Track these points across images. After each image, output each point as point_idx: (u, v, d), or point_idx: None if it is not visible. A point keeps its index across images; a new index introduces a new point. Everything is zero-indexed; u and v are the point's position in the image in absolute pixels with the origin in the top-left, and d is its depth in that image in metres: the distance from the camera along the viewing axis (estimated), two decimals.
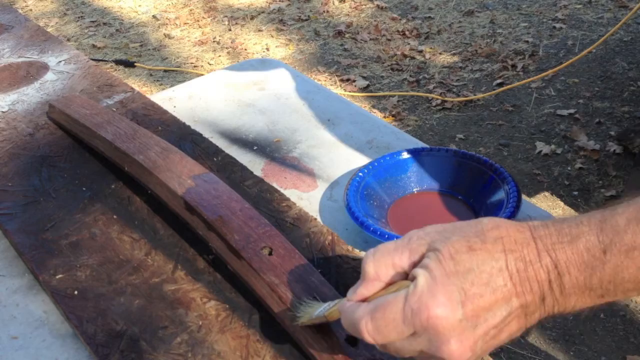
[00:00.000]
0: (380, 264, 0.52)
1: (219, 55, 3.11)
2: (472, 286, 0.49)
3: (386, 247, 0.52)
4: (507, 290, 0.50)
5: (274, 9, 3.48)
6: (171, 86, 1.15)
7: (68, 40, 3.34)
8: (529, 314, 0.51)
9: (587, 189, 2.09)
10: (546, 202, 2.05)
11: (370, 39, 3.09)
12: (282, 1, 3.56)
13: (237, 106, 1.03)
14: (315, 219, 0.74)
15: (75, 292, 0.66)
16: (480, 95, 2.57)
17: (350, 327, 0.51)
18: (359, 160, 0.85)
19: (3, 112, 1.00)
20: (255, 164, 0.87)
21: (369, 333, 0.51)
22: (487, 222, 0.53)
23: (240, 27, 3.35)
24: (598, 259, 0.49)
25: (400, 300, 0.50)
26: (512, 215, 0.70)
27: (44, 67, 1.13)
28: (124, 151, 0.79)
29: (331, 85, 2.76)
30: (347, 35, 3.15)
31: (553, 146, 2.28)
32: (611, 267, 0.49)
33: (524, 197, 0.74)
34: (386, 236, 0.69)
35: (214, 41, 3.24)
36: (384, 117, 2.50)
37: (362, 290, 0.52)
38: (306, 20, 3.35)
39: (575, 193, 2.08)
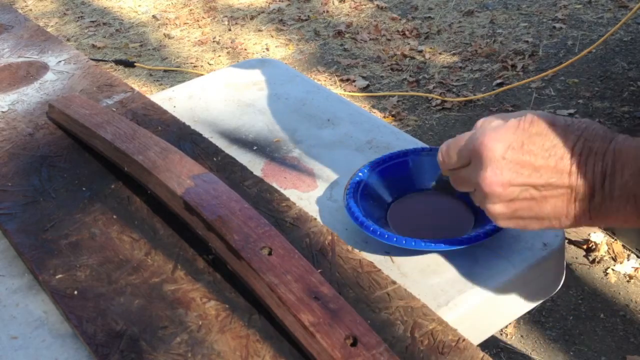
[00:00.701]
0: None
1: (219, 55, 3.11)
2: (532, 145, 0.54)
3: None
4: (562, 164, 0.53)
5: (274, 9, 3.48)
6: (171, 86, 1.15)
7: (68, 40, 3.34)
8: (577, 200, 0.54)
9: None
10: None
11: (370, 39, 3.09)
12: (282, 1, 3.56)
13: (237, 106, 1.03)
14: (315, 219, 0.74)
15: (75, 292, 0.66)
16: (480, 95, 2.57)
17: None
18: (359, 160, 0.85)
19: (3, 112, 1.00)
20: (255, 164, 0.87)
21: (441, 152, 0.61)
22: (586, 120, 0.56)
23: (240, 27, 3.35)
24: None
25: (472, 132, 0.58)
26: None
27: (44, 67, 1.13)
28: (124, 151, 0.79)
29: (331, 85, 2.76)
30: (347, 35, 3.15)
31: None
32: None
33: None
34: (386, 236, 0.69)
35: (213, 41, 3.24)
36: (384, 117, 2.51)
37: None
38: (306, 20, 3.35)
39: None
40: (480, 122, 0.59)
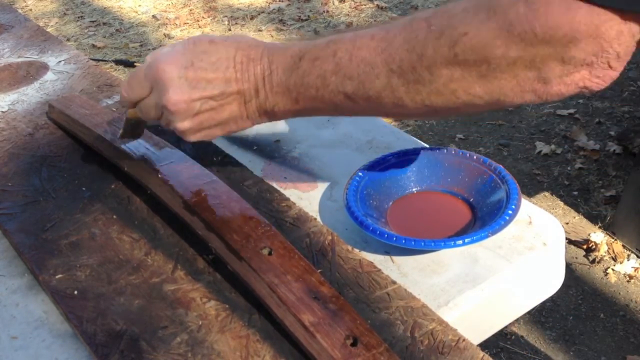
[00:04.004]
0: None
1: None
2: (201, 62, 0.62)
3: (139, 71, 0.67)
4: (229, 74, 0.62)
5: (274, 9, 3.48)
6: None
7: (68, 40, 3.34)
8: (247, 102, 0.64)
9: (586, 189, 2.09)
10: (546, 202, 2.05)
11: None
12: (282, 1, 3.56)
13: None
14: (315, 219, 0.74)
15: (75, 292, 0.66)
16: None
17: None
18: (359, 160, 0.85)
19: (3, 112, 1.00)
20: (255, 164, 0.87)
21: (124, 89, 0.67)
22: (239, 34, 0.70)
23: (240, 27, 3.35)
24: (295, 64, 0.60)
25: (145, 63, 0.65)
26: (512, 215, 0.70)
27: (44, 67, 1.13)
28: (124, 151, 0.79)
29: None
30: None
31: (553, 146, 2.28)
32: (301, 71, 0.60)
33: (524, 197, 0.74)
34: (385, 235, 0.69)
35: None
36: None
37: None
38: (306, 20, 3.35)
39: (575, 193, 2.08)
40: (150, 55, 0.66)
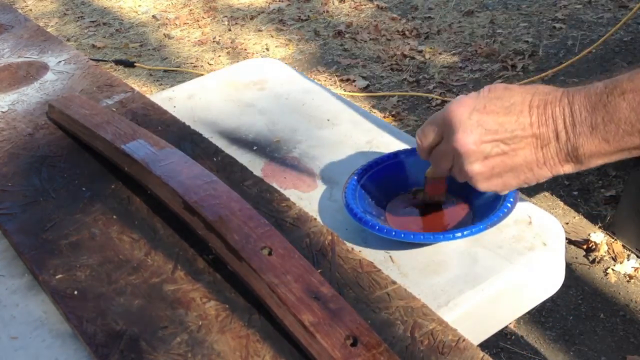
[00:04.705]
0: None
1: (219, 55, 3.11)
2: (493, 106, 0.61)
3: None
4: (523, 117, 0.60)
5: (274, 9, 3.48)
6: (171, 86, 1.15)
7: (68, 40, 3.34)
8: (544, 146, 0.60)
9: (587, 189, 2.09)
10: (546, 202, 2.05)
11: (370, 39, 3.09)
12: (282, 1, 3.56)
13: (237, 106, 1.03)
14: (315, 219, 0.74)
15: (75, 292, 0.66)
16: None
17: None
18: (359, 160, 0.85)
19: (3, 112, 1.00)
20: (255, 164, 0.87)
21: (418, 135, 0.67)
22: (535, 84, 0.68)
23: (240, 27, 3.35)
24: (601, 100, 0.57)
25: (440, 112, 0.64)
26: (510, 207, 0.71)
27: (44, 67, 1.13)
28: (124, 151, 0.79)
29: (331, 85, 2.76)
30: (347, 36, 3.15)
31: None
32: (611, 107, 0.57)
33: (524, 197, 0.75)
34: (385, 230, 0.69)
35: (213, 41, 3.24)
36: (384, 117, 2.51)
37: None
38: (306, 20, 3.35)
39: (575, 193, 2.08)
40: (447, 105, 0.65)
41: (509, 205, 0.71)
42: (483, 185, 0.64)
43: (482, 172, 0.63)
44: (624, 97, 0.56)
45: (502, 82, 2.64)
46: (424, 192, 0.76)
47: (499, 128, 0.60)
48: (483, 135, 0.61)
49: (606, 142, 0.58)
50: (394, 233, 0.69)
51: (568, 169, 0.61)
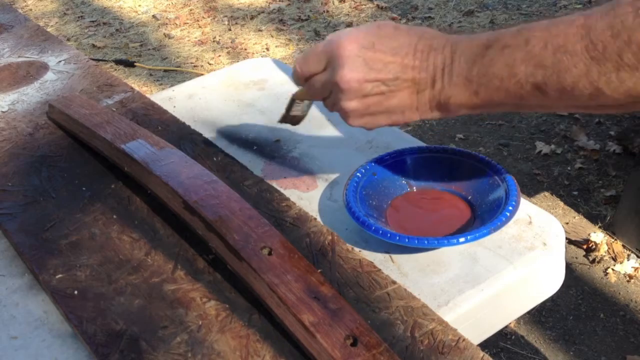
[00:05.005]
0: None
1: (219, 55, 3.11)
2: (382, 45, 0.61)
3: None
4: (407, 60, 0.61)
5: (274, 9, 3.48)
6: (171, 86, 1.15)
7: (68, 40, 3.34)
8: (420, 92, 0.62)
9: (587, 189, 2.09)
10: (546, 202, 2.05)
11: None
12: (282, 1, 3.56)
13: (237, 106, 1.03)
14: (315, 219, 0.74)
15: (75, 292, 0.66)
16: None
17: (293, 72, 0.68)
18: (359, 160, 0.85)
19: (3, 112, 1.00)
20: (255, 164, 0.87)
21: (298, 63, 0.67)
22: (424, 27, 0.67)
23: (240, 27, 3.35)
24: (481, 52, 0.58)
25: (324, 40, 0.64)
26: (512, 211, 0.70)
27: (44, 67, 1.13)
28: (124, 151, 0.79)
29: None
30: None
31: (553, 146, 2.28)
32: (487, 60, 0.57)
33: (524, 197, 0.75)
34: (388, 235, 0.69)
35: (213, 41, 3.24)
36: None
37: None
38: (306, 20, 3.35)
39: (575, 193, 2.08)
40: (331, 34, 0.66)
41: (510, 209, 0.70)
42: (354, 122, 0.66)
43: (357, 109, 0.64)
44: (503, 52, 0.57)
45: None
46: (285, 113, 0.76)
47: (383, 68, 0.61)
48: (367, 74, 0.62)
49: (476, 95, 0.59)
50: (397, 237, 0.68)
51: (436, 115, 0.64)
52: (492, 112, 0.62)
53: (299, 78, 0.69)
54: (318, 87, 0.66)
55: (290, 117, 0.78)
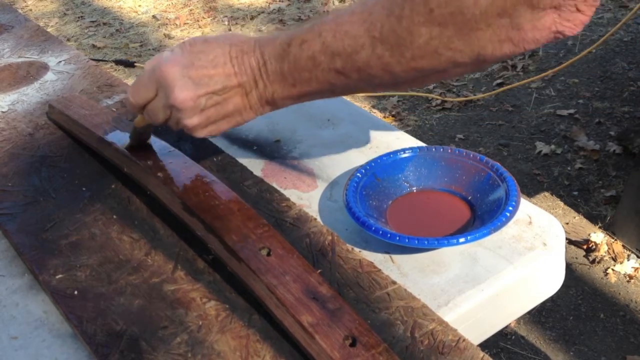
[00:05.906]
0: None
1: None
2: (199, 60, 0.65)
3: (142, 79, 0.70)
4: (227, 68, 0.65)
5: (274, 9, 3.48)
6: None
7: (68, 40, 3.34)
8: (248, 93, 0.66)
9: (587, 189, 2.09)
10: (546, 202, 2.05)
11: None
12: (282, 1, 3.56)
13: None
14: (315, 219, 0.74)
15: (75, 292, 0.66)
16: (480, 96, 2.57)
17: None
18: (359, 160, 0.85)
19: (3, 112, 1.00)
20: (255, 164, 0.87)
21: (130, 94, 0.70)
22: (228, 32, 0.74)
23: (240, 27, 3.35)
24: (284, 50, 0.63)
25: (147, 68, 0.68)
26: (512, 212, 0.70)
27: (44, 67, 1.13)
28: (123, 152, 0.79)
29: None
30: None
31: (553, 146, 2.28)
32: (292, 56, 0.63)
33: (524, 197, 0.74)
34: (388, 235, 0.69)
35: None
36: (384, 117, 2.51)
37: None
38: (306, 20, 3.35)
39: (575, 193, 2.08)
40: (149, 62, 0.69)
41: (510, 209, 0.70)
42: (200, 134, 0.69)
43: (199, 123, 0.68)
44: (302, 47, 0.62)
45: (501, 82, 2.65)
46: (131, 140, 0.79)
47: (210, 81, 0.65)
48: (197, 90, 0.65)
49: (294, 87, 0.65)
50: (397, 238, 0.68)
51: (268, 110, 0.68)
52: (316, 99, 0.69)
53: (134, 108, 0.72)
54: (157, 112, 0.69)
55: (137, 142, 0.80)
